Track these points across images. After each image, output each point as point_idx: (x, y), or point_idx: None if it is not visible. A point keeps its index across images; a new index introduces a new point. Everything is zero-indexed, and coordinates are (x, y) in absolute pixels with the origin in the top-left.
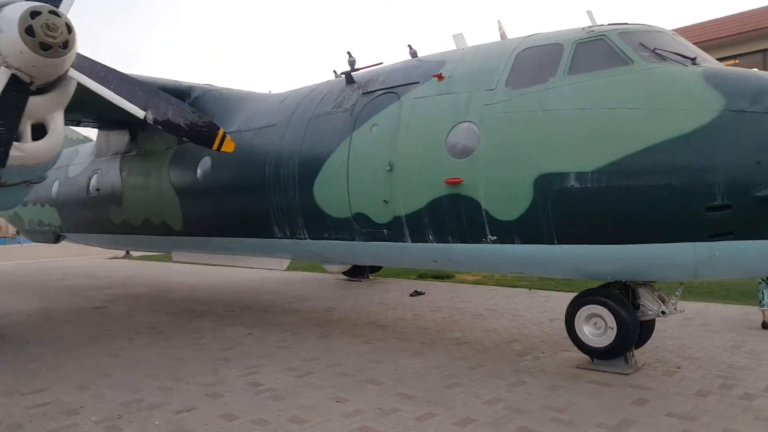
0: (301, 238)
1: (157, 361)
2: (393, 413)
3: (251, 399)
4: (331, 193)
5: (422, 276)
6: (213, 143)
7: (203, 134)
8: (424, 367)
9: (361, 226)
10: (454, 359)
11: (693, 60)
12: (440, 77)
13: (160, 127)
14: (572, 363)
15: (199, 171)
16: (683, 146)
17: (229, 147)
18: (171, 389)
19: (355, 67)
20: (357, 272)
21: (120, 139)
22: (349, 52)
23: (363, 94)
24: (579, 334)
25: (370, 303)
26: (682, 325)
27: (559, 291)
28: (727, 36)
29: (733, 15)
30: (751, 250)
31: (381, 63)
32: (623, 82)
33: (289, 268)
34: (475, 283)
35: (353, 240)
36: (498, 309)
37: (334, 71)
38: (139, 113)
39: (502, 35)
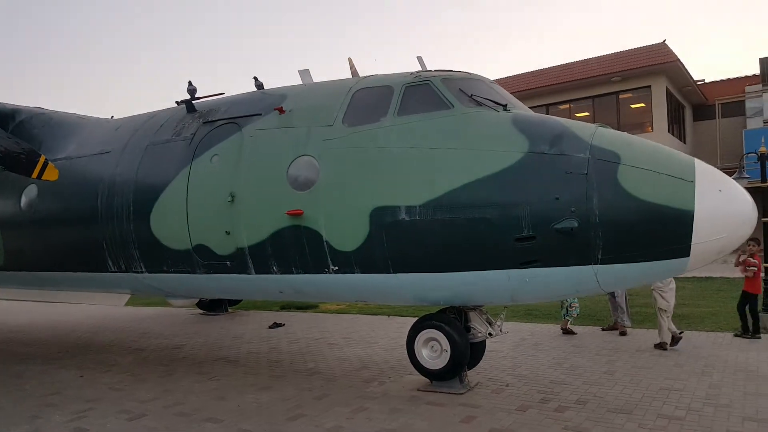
0: (137, 272)
1: None
2: None
3: None
4: (169, 224)
5: (285, 307)
6: (32, 171)
7: (21, 161)
8: (270, 400)
9: (202, 258)
10: (302, 390)
11: (504, 106)
12: (281, 110)
13: None
14: (414, 386)
15: (23, 200)
16: (495, 184)
17: (52, 175)
18: None
19: (196, 95)
20: (214, 306)
21: None
22: (189, 81)
23: (204, 123)
24: (418, 358)
25: (224, 338)
26: (517, 345)
27: (416, 317)
28: (546, 86)
29: (547, 69)
30: (555, 276)
31: (223, 93)
32: (444, 124)
33: (138, 303)
34: (338, 312)
35: (194, 273)
36: (354, 337)
37: (176, 102)
38: None
39: (353, 72)
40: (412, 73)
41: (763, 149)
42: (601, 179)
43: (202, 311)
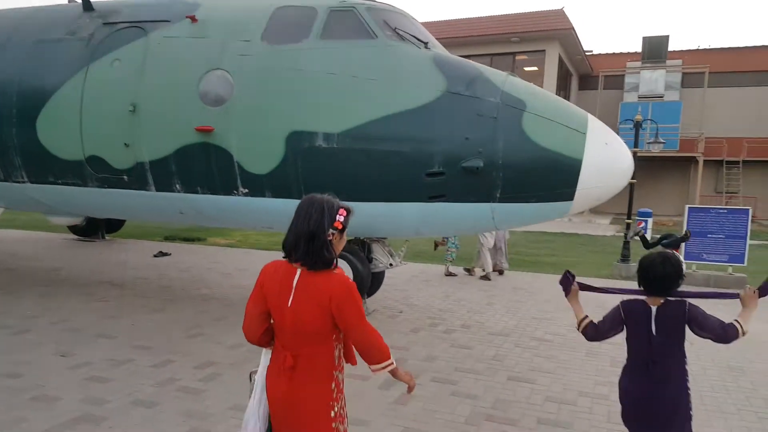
0: (18, 181)
1: None
2: (127, 363)
3: None
4: (59, 131)
5: (169, 237)
6: None
7: None
8: (166, 320)
9: (96, 171)
10: (199, 313)
11: (426, 44)
12: (194, 19)
13: None
14: None
15: None
16: (412, 119)
17: None
18: None
19: None
20: (90, 231)
21: None
22: None
23: (104, 24)
24: None
25: (106, 263)
26: (408, 280)
27: None
28: (445, 38)
29: (447, 21)
30: (457, 211)
31: None
32: (367, 54)
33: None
34: (228, 246)
35: (86, 186)
36: (250, 269)
37: None
38: None
39: None
40: None
41: (638, 117)
42: (507, 124)
43: (76, 237)
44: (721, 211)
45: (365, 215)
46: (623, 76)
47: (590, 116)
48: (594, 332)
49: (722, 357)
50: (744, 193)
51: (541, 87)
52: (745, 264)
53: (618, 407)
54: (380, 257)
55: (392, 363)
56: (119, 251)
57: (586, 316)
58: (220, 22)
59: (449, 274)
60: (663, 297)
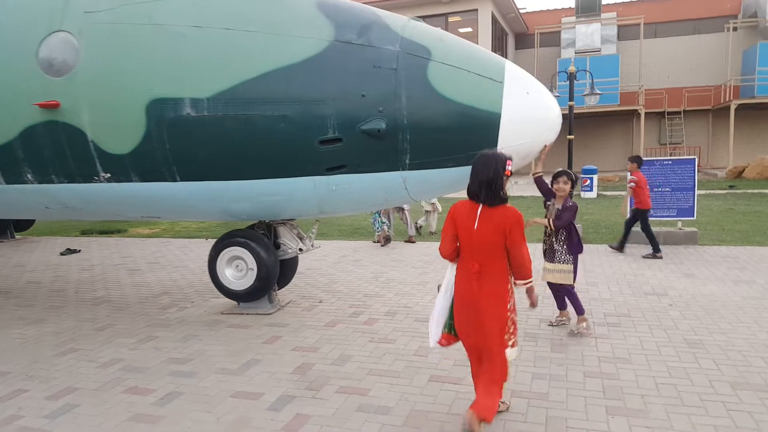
0: None
1: None
2: None
3: None
4: None
5: (86, 232)
6: None
7: None
8: (39, 335)
9: None
10: (83, 321)
11: None
12: None
13: None
14: (219, 309)
15: None
16: (295, 76)
17: None
18: None
19: None
20: None
21: None
22: None
23: None
24: (221, 279)
25: (3, 267)
26: (337, 262)
27: None
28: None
29: None
30: (362, 183)
31: None
32: (239, 2)
33: None
34: (150, 236)
35: None
36: (161, 261)
37: None
38: None
39: None
40: None
41: (572, 68)
42: (410, 76)
43: None
44: (665, 162)
45: (257, 195)
46: (559, 32)
47: (508, 62)
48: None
49: (678, 330)
50: (687, 143)
51: None
52: (695, 217)
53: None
54: (288, 242)
55: (531, 282)
56: (25, 251)
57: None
58: None
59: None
60: None
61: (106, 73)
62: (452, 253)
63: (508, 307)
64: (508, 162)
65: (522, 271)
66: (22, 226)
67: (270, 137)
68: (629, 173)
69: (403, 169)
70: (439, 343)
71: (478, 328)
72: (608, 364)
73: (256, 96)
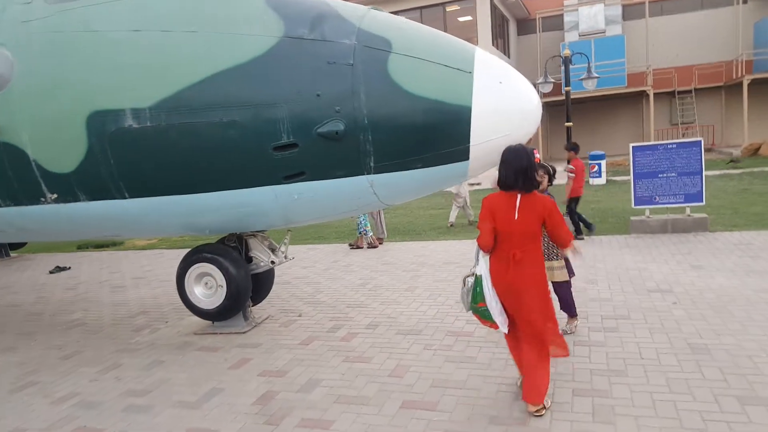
0: None
1: None
2: None
3: None
4: None
5: (82, 246)
6: None
7: None
8: (4, 365)
9: None
10: (50, 349)
11: None
12: None
13: None
14: (192, 329)
15: None
16: (242, 78)
17: None
18: None
19: None
20: None
21: None
22: None
23: None
24: (190, 297)
25: None
26: (327, 269)
27: None
28: None
29: None
30: (326, 190)
31: None
32: (180, 2)
33: None
34: (145, 248)
35: None
36: (148, 276)
37: None
38: None
39: None
40: None
41: (566, 52)
42: (369, 71)
43: None
44: (669, 146)
45: (214, 209)
46: (562, 15)
47: (478, 50)
48: None
49: (682, 333)
50: (700, 123)
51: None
52: (704, 202)
53: None
54: (259, 254)
55: (572, 246)
56: (16, 270)
57: None
58: None
59: (370, 246)
60: None
61: (43, 87)
62: (491, 245)
63: (548, 288)
64: (535, 151)
65: (568, 238)
66: (18, 243)
67: (220, 146)
68: (567, 161)
69: (368, 173)
70: (493, 327)
71: (520, 309)
72: (601, 378)
73: (201, 102)
